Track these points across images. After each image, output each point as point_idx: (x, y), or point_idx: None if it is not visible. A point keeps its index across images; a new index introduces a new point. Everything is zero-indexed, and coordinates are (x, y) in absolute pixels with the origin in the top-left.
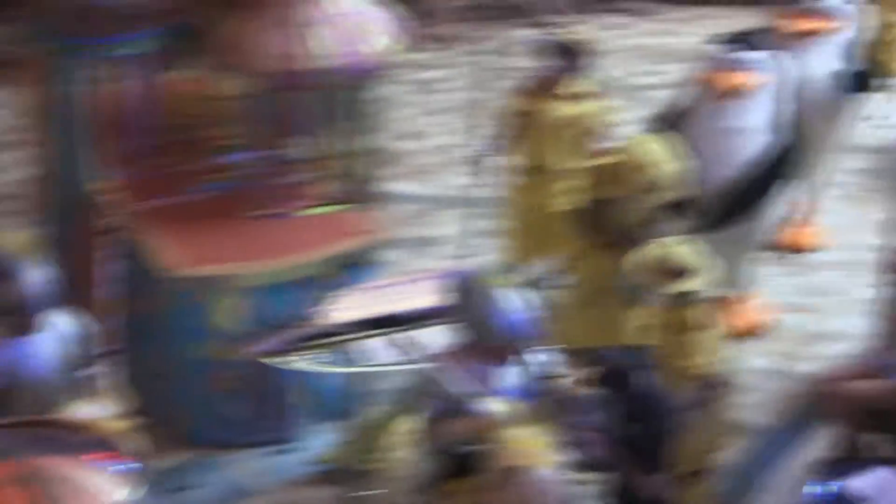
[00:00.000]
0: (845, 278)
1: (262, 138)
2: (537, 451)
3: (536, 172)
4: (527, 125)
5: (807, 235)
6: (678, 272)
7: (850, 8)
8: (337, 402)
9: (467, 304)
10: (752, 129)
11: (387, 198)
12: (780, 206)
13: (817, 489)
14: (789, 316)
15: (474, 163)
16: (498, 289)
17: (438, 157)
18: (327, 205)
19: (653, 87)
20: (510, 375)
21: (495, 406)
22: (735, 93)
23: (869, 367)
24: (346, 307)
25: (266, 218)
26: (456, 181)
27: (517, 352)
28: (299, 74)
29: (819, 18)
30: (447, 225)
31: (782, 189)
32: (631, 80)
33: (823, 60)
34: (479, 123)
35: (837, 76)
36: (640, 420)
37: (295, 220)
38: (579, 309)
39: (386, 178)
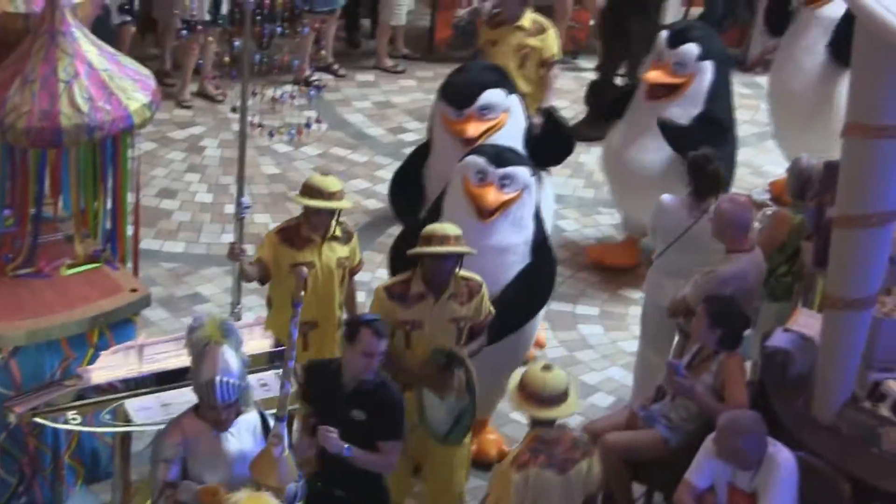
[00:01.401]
0: (605, 332)
1: (20, 196)
2: None
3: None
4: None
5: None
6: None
7: (511, 98)
8: (108, 462)
9: (192, 359)
10: (514, 246)
11: (149, 256)
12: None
13: None
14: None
15: (238, 220)
16: (217, 346)
17: (201, 215)
18: (88, 263)
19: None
20: (238, 438)
21: (222, 472)
22: (499, 209)
23: (632, 418)
24: (112, 365)
25: (27, 277)
26: (219, 239)
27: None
28: (57, 131)
29: (483, 119)
30: (210, 283)
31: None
32: (388, 138)
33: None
34: (242, 181)
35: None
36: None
37: (57, 278)
38: None
39: (148, 235)
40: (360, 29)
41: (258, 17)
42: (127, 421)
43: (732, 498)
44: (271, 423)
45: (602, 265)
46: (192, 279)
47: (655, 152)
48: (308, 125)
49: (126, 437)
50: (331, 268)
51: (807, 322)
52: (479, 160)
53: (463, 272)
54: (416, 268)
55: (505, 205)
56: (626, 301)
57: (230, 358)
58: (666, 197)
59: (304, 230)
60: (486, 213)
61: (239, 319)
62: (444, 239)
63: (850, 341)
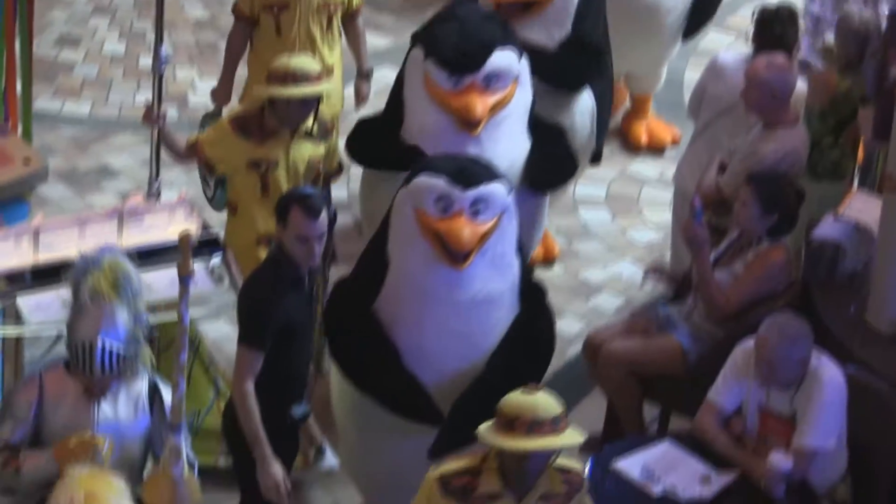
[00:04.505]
0: (612, 219)
1: None
2: (101, 497)
3: None
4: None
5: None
6: None
7: (523, 63)
8: None
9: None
10: (497, 295)
11: (46, 119)
12: None
13: (587, 470)
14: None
15: (156, 75)
16: (105, 303)
17: (111, 69)
18: None
19: None
20: (112, 407)
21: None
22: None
23: (640, 323)
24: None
25: None
26: (132, 99)
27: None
28: None
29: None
30: (122, 153)
31: None
32: None
33: None
34: (161, 26)
35: None
36: None
37: None
38: None
39: (45, 94)
40: None
41: None
42: (19, 322)
43: (765, 423)
44: (166, 396)
45: None
46: (100, 148)
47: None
48: None
49: (18, 343)
50: (299, 171)
51: (863, 207)
52: (437, 182)
53: (563, 461)
54: (486, 455)
55: (481, 239)
56: (638, 180)
57: (119, 317)
58: (722, 56)
59: (269, 120)
60: (460, 257)
61: (158, 199)
62: (534, 424)
63: None
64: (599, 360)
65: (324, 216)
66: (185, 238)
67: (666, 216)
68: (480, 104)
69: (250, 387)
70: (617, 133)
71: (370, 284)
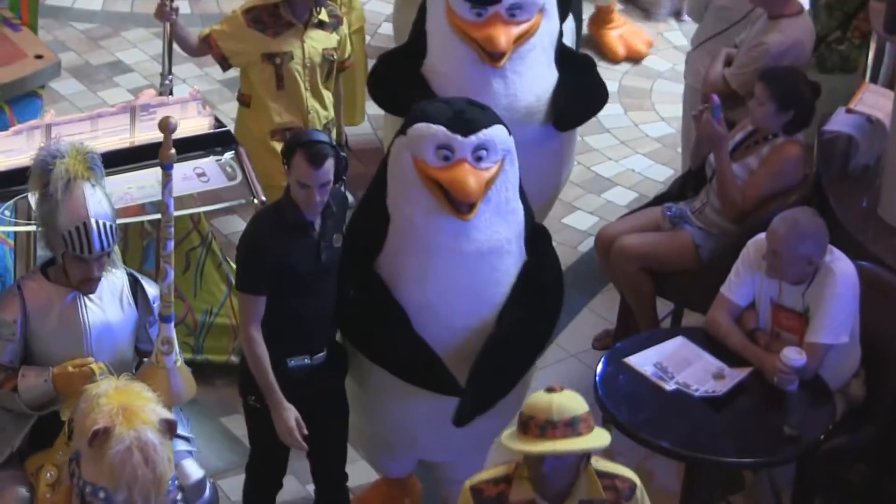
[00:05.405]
0: (624, 112)
1: None
2: (138, 407)
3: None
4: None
5: None
6: None
7: None
8: (5, 272)
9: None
10: (504, 243)
11: (58, 14)
12: None
13: (600, 367)
14: None
15: None
16: (83, 182)
17: None
18: None
19: None
20: (100, 306)
21: (77, 351)
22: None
23: (651, 218)
24: (12, 150)
25: None
26: None
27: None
28: None
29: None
30: (134, 48)
31: None
32: None
33: None
34: None
35: None
36: None
37: None
38: None
39: None
40: None
41: None
42: (31, 218)
43: (777, 318)
44: (148, 288)
45: None
46: (112, 43)
47: None
48: None
49: (30, 238)
50: (314, 62)
51: (875, 101)
52: (436, 130)
53: (608, 465)
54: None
55: (486, 186)
56: (650, 74)
57: (101, 196)
58: None
59: (284, 13)
60: (465, 207)
61: (171, 94)
62: (546, 426)
63: None
64: (612, 254)
65: (329, 164)
66: (164, 124)
67: (678, 110)
68: (504, 35)
69: (255, 332)
70: None
71: (371, 242)
